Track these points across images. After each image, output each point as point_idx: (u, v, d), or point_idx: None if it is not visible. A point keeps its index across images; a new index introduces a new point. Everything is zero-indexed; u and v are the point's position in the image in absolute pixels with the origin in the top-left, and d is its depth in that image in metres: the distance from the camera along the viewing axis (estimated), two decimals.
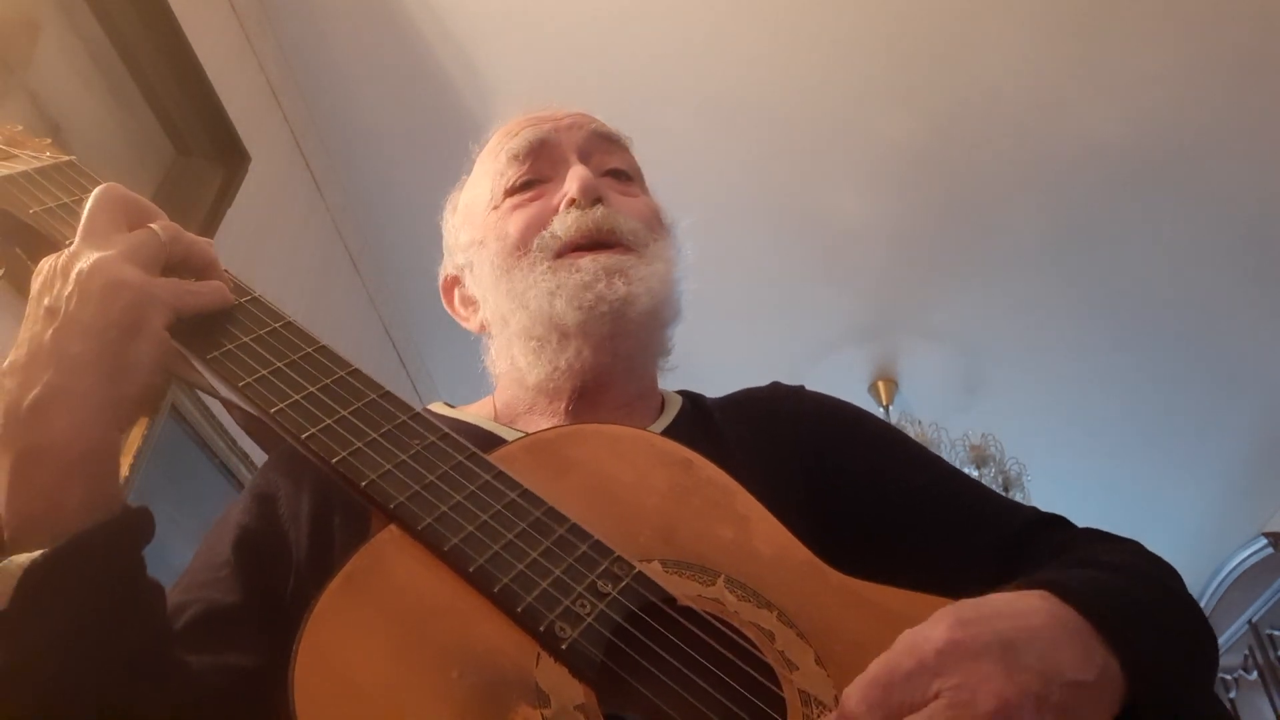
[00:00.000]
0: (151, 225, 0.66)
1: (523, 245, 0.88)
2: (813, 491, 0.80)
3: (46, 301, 0.62)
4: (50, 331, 0.60)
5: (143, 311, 0.61)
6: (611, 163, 0.95)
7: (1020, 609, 0.55)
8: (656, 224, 0.92)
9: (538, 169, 0.93)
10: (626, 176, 0.95)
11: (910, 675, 0.50)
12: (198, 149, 2.11)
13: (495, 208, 0.93)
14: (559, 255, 0.86)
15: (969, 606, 0.54)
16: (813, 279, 3.25)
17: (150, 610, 0.63)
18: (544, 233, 0.88)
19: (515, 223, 0.90)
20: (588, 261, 0.85)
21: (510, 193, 0.93)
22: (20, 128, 0.81)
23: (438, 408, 0.93)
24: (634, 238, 0.88)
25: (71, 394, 0.58)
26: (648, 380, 0.92)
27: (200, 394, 2.05)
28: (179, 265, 0.67)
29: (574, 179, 0.89)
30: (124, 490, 1.78)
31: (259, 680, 0.68)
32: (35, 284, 0.64)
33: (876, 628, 0.61)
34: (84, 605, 0.57)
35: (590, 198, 0.88)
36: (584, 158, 0.93)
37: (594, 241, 0.86)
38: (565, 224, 0.87)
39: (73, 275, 0.61)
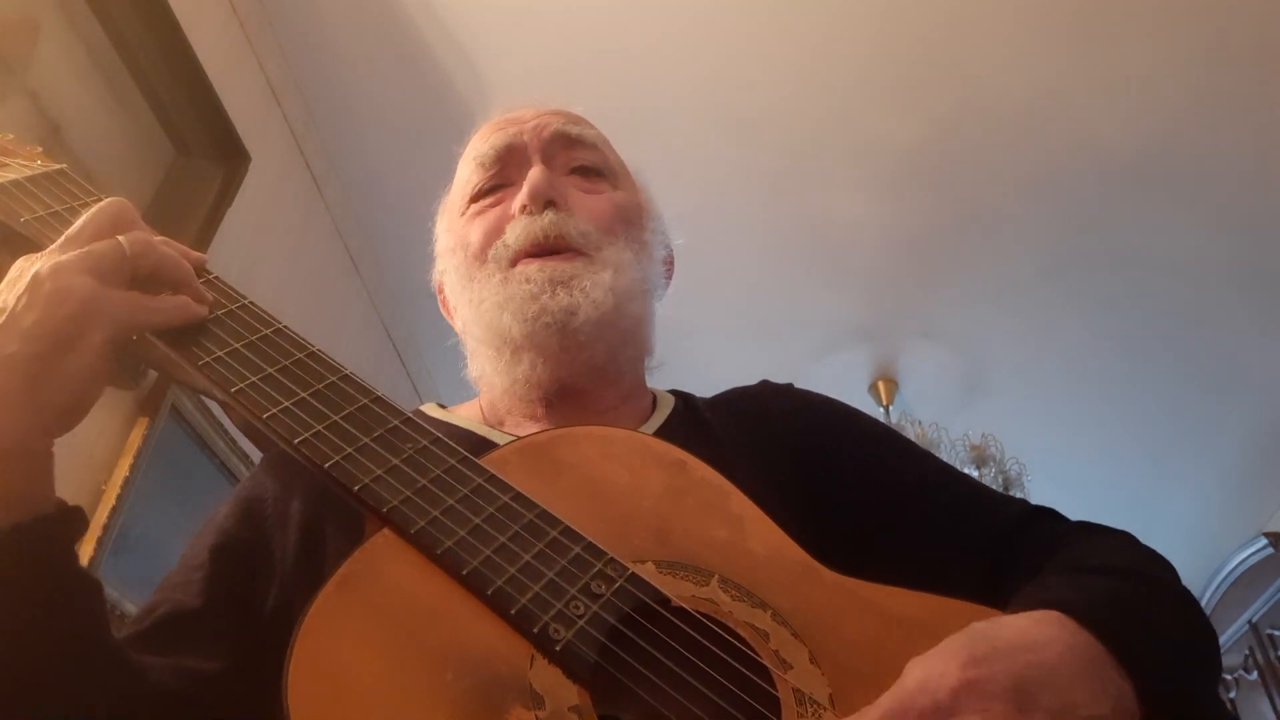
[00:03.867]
0: (118, 237, 0.64)
1: (481, 255, 0.89)
2: (805, 488, 0.80)
3: (1, 300, 0.62)
4: None
5: (83, 323, 0.60)
6: (577, 160, 0.94)
7: (1035, 640, 0.54)
8: (618, 223, 0.91)
9: (504, 174, 0.93)
10: (594, 173, 0.94)
11: (924, 715, 0.49)
12: (198, 149, 2.11)
13: (463, 214, 0.94)
14: (512, 264, 0.87)
15: (981, 639, 0.54)
16: (813, 279, 3.25)
17: (78, 609, 0.63)
18: (498, 241, 0.88)
19: (475, 231, 0.91)
20: (534, 269, 0.85)
21: (475, 199, 0.93)
22: (11, 136, 0.81)
23: (430, 409, 0.94)
24: (584, 241, 0.87)
25: None
26: (628, 383, 0.92)
27: (201, 395, 2.06)
28: (148, 278, 0.66)
29: (526, 184, 0.89)
30: (126, 496, 1.79)
31: (215, 684, 0.69)
32: (4, 281, 0.64)
33: (871, 626, 0.62)
34: (3, 603, 0.58)
35: (540, 203, 0.87)
36: (548, 159, 0.92)
37: (543, 249, 0.86)
38: (516, 232, 0.87)
39: (28, 277, 0.61)
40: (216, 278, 0.72)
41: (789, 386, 0.95)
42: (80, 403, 0.61)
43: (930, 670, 0.51)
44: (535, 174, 0.89)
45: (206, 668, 0.70)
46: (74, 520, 0.63)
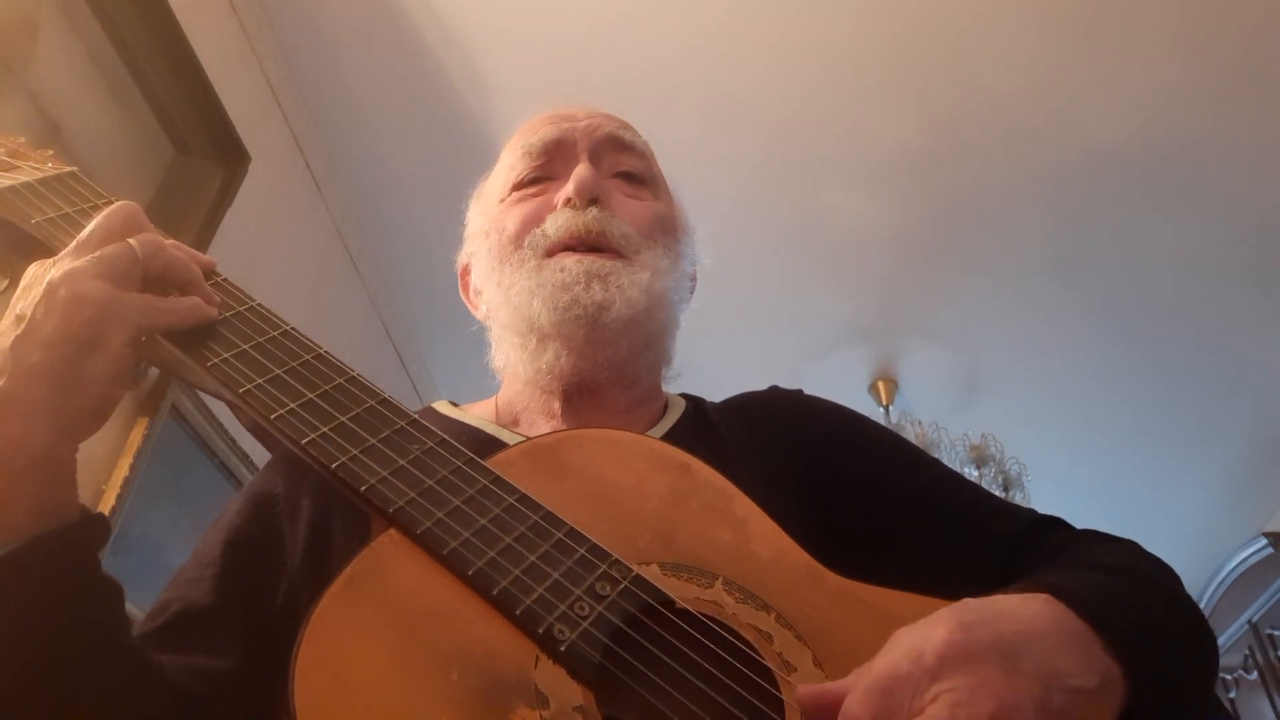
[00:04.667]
0: (129, 240, 0.65)
1: (517, 240, 0.89)
2: (811, 494, 0.80)
3: (19, 308, 0.63)
4: (13, 338, 0.61)
5: (102, 328, 0.60)
6: (624, 165, 0.95)
7: (1021, 613, 0.55)
8: (657, 231, 0.91)
9: (549, 167, 0.94)
10: (639, 180, 0.95)
11: (910, 677, 0.49)
12: (198, 149, 2.12)
13: (502, 201, 0.94)
14: (549, 254, 0.87)
15: (969, 609, 0.54)
16: (814, 280, 3.25)
17: (103, 614, 0.63)
18: (537, 230, 0.88)
19: (514, 217, 0.91)
20: (572, 262, 0.85)
21: (517, 187, 0.94)
22: (23, 139, 0.82)
23: (442, 406, 0.94)
24: (625, 243, 0.87)
25: (21, 403, 0.59)
26: (644, 388, 0.92)
27: (202, 394, 2.06)
28: (157, 280, 0.66)
29: (574, 179, 0.89)
30: (126, 496, 1.79)
31: (226, 683, 0.69)
32: (18, 288, 0.65)
33: (874, 629, 0.61)
34: (31, 610, 0.58)
35: (586, 198, 0.88)
36: (595, 158, 0.93)
37: (583, 243, 0.86)
38: (557, 223, 0.88)
39: (43, 285, 0.62)
40: (225, 280, 0.72)
41: (798, 392, 0.95)
42: (104, 405, 0.61)
43: (917, 636, 0.52)
44: (583, 170, 0.90)
45: (218, 666, 0.70)
46: (98, 527, 0.64)
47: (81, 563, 0.62)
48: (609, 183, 0.92)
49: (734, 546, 0.65)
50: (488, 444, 0.82)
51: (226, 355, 0.66)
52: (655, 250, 0.89)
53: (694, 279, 1.00)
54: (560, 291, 0.84)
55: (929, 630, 0.52)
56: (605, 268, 0.85)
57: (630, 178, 0.95)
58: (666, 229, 0.93)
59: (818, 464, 0.84)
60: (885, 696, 0.49)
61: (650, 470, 0.69)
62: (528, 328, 0.86)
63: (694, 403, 0.95)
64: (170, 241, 0.69)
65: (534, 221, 0.89)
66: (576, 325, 0.83)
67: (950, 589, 0.63)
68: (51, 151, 0.80)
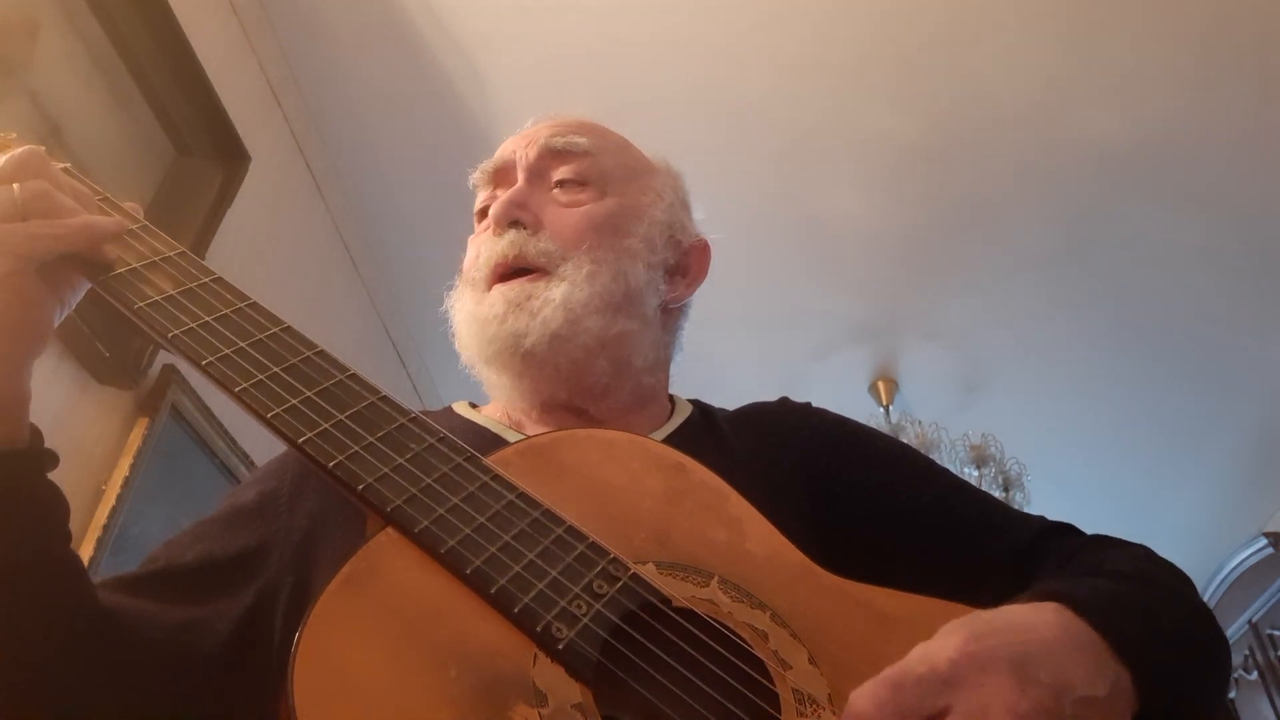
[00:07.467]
0: (13, 185, 0.66)
1: (467, 274, 0.92)
2: (819, 505, 0.80)
3: None
4: None
5: None
6: (560, 173, 0.92)
7: (1032, 622, 0.55)
8: (590, 233, 0.88)
9: (498, 193, 0.94)
10: (578, 184, 0.92)
11: (921, 681, 0.50)
12: (198, 149, 2.12)
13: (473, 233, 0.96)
14: (487, 286, 0.88)
15: (981, 619, 0.55)
16: (813, 279, 3.25)
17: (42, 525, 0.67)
18: (478, 262, 0.90)
19: (470, 251, 0.93)
20: (497, 294, 0.87)
21: (478, 218, 0.96)
22: (15, 135, 0.81)
23: (460, 407, 0.94)
24: (546, 259, 0.86)
25: None
26: (627, 392, 0.90)
27: (201, 393, 2.06)
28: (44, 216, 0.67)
29: (493, 205, 0.91)
30: (126, 496, 1.79)
31: (152, 619, 0.72)
32: None
33: (868, 627, 0.62)
34: None
35: (503, 224, 0.89)
36: (535, 174, 0.92)
37: (508, 270, 0.88)
38: (485, 254, 0.89)
39: None
40: (221, 279, 0.72)
41: (806, 405, 0.94)
42: (26, 329, 0.65)
43: (931, 644, 0.52)
44: (504, 194, 0.91)
45: (158, 609, 0.73)
46: (46, 455, 0.68)
47: (28, 482, 0.66)
48: (545, 196, 0.91)
49: (729, 545, 0.66)
50: (493, 442, 0.82)
51: (225, 352, 0.66)
52: (579, 258, 0.87)
53: (690, 254, 0.97)
54: (485, 326, 0.86)
55: (943, 640, 0.52)
56: (525, 293, 0.85)
57: (567, 184, 0.92)
58: (605, 228, 0.90)
59: (827, 475, 0.84)
60: (896, 692, 0.50)
61: (645, 470, 0.69)
62: (479, 360, 0.88)
63: (701, 409, 0.94)
64: (69, 182, 0.70)
65: (478, 254, 0.91)
66: (505, 357, 0.85)
67: (965, 599, 0.63)
68: (15, 134, 0.80)
